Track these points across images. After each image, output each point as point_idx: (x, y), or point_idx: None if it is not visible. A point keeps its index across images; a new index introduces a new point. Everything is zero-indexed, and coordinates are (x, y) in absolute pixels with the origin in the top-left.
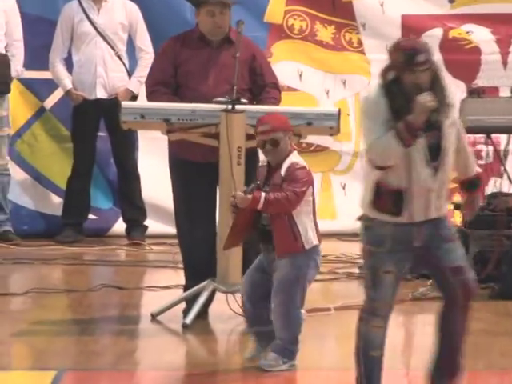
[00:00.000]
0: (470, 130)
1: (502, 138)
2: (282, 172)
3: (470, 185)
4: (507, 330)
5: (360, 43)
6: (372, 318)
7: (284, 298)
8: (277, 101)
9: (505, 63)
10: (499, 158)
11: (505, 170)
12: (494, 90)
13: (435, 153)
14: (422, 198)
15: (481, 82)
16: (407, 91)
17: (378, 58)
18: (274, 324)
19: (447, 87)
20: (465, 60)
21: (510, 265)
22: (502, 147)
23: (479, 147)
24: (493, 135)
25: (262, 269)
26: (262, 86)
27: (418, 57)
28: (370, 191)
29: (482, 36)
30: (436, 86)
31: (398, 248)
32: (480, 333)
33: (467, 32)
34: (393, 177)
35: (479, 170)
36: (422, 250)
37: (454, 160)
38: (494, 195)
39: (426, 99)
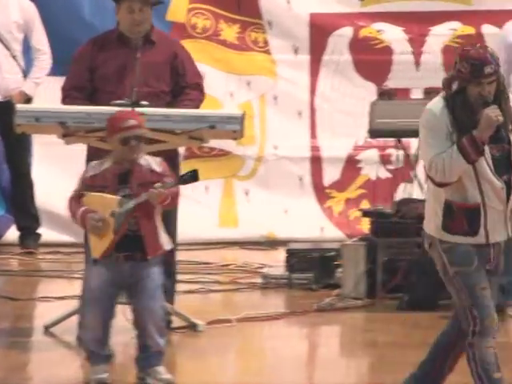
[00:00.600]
0: (380, 133)
1: (413, 142)
2: (156, 168)
3: None
4: (417, 343)
5: (266, 43)
6: (482, 339)
7: (161, 304)
8: (193, 102)
9: (417, 63)
10: (410, 162)
11: (415, 175)
12: (406, 92)
13: (503, 166)
14: (496, 216)
15: (392, 83)
16: (472, 104)
17: (284, 58)
18: (147, 332)
19: (510, 99)
20: (376, 60)
21: (420, 274)
22: (413, 151)
23: (389, 151)
24: (404, 139)
25: (117, 284)
26: (183, 87)
27: (486, 68)
28: (439, 212)
29: (393, 35)
30: (501, 98)
31: (482, 265)
32: (387, 345)
33: (378, 31)
34: (465, 193)
35: None
36: (489, 276)
37: None
38: (403, 202)
39: (493, 113)
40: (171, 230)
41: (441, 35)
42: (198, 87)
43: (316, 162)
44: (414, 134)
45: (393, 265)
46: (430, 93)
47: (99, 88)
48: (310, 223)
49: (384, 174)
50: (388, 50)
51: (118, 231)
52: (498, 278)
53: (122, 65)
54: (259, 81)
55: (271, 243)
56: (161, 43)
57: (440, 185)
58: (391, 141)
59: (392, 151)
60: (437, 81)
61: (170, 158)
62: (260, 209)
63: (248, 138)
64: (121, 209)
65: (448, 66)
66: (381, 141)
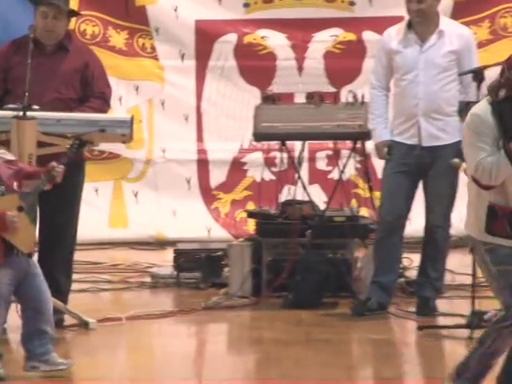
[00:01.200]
0: (264, 136)
1: (297, 145)
2: (7, 157)
3: None
4: (299, 339)
5: (153, 49)
6: None
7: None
8: (93, 110)
9: (300, 69)
10: (293, 165)
11: (299, 177)
12: (289, 97)
13: None
14: None
15: (276, 88)
16: None
17: (171, 63)
18: (45, 317)
19: None
20: (260, 66)
21: (303, 273)
22: (297, 154)
23: (273, 154)
24: (287, 142)
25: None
26: (89, 96)
27: None
28: (483, 215)
29: (277, 41)
30: None
31: None
32: (272, 342)
33: (262, 37)
34: (505, 197)
35: None
36: None
37: None
38: (287, 203)
39: None
40: (72, 232)
41: (323, 41)
42: (103, 96)
43: (203, 164)
44: (298, 137)
45: (277, 264)
46: (312, 97)
47: (10, 90)
48: (198, 224)
49: (269, 176)
50: (272, 56)
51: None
52: None
53: (33, 69)
54: (147, 86)
55: (160, 243)
56: (75, 52)
57: (486, 187)
58: (275, 144)
59: (276, 154)
60: (319, 86)
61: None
62: (149, 210)
63: (137, 142)
64: (28, 200)
65: (330, 71)
66: (265, 144)
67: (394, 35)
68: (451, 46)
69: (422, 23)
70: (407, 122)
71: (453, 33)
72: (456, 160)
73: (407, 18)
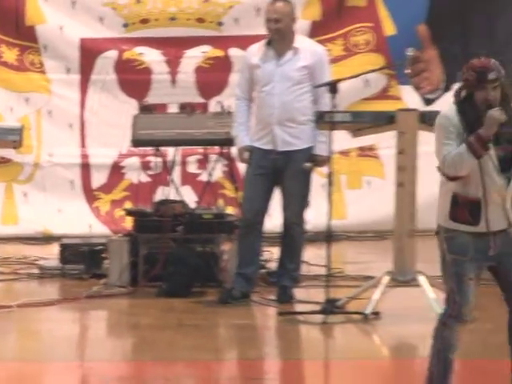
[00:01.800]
0: (141, 143)
1: (170, 151)
2: None
3: None
4: (172, 325)
5: (41, 64)
6: (456, 323)
7: None
8: None
9: (173, 82)
10: (167, 168)
11: (172, 179)
12: (164, 107)
13: (506, 164)
14: (497, 208)
15: (151, 99)
16: (478, 107)
17: (57, 77)
18: None
19: None
20: (137, 79)
21: (175, 265)
22: (170, 159)
23: (149, 159)
24: (162, 148)
25: None
26: None
27: (489, 74)
28: (448, 203)
29: (152, 57)
30: (505, 102)
31: (477, 257)
32: (147, 327)
33: (139, 54)
34: (469, 188)
35: None
36: (495, 260)
37: None
38: (161, 202)
39: (496, 112)
40: None
41: (194, 57)
42: None
43: (85, 167)
44: (171, 143)
45: (152, 257)
46: (184, 107)
47: None
48: (81, 221)
49: (145, 178)
50: (148, 71)
51: None
52: None
53: None
54: (36, 97)
55: (47, 238)
56: None
57: (452, 179)
58: (151, 149)
59: (151, 158)
60: (190, 97)
61: None
62: (37, 209)
63: (26, 147)
64: None
65: (200, 84)
66: (142, 149)
67: (255, 51)
68: (305, 61)
69: (279, 41)
70: (264, 129)
71: (307, 50)
72: (307, 164)
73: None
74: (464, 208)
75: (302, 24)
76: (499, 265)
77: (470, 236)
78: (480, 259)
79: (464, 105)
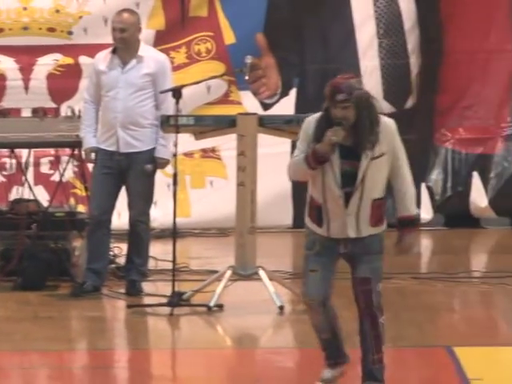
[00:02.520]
0: None
1: (24, 152)
2: None
3: (402, 223)
4: (27, 316)
5: None
6: (308, 309)
7: None
8: None
9: (26, 88)
10: (21, 169)
11: (26, 179)
12: (17, 111)
13: (351, 179)
14: (338, 218)
15: (6, 104)
16: (330, 121)
17: None
18: None
19: (376, 124)
20: None
21: (30, 260)
22: (24, 160)
23: (4, 160)
24: (16, 150)
25: None
26: None
27: (337, 96)
28: (307, 204)
29: (7, 64)
30: (359, 123)
31: (324, 252)
32: (4, 319)
33: None
34: (315, 193)
35: (416, 212)
36: (347, 256)
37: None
38: (16, 201)
39: (331, 133)
40: None
41: (46, 64)
42: None
43: None
44: (25, 145)
45: (8, 253)
46: (37, 112)
47: None
48: None
49: (0, 178)
50: (2, 77)
51: None
52: (371, 256)
53: None
54: None
55: None
56: None
57: (292, 181)
58: (6, 151)
59: (6, 160)
60: (43, 102)
61: None
62: None
63: None
64: None
65: (52, 90)
66: None
67: (102, 58)
68: (148, 69)
69: (124, 49)
70: (109, 131)
71: (150, 58)
72: (149, 166)
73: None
74: (313, 210)
75: (146, 33)
76: (349, 262)
77: (319, 235)
78: (327, 255)
79: (322, 116)
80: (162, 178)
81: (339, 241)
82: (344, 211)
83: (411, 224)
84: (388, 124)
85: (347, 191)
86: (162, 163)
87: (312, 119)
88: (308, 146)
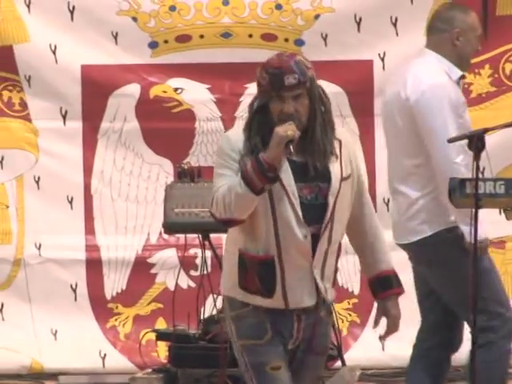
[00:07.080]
0: (179, 227)
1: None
2: None
3: (380, 283)
4: None
5: (24, 105)
6: None
7: None
8: None
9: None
10: (220, 265)
11: None
12: (212, 172)
13: (317, 212)
14: (301, 274)
15: (195, 159)
16: (273, 124)
17: (49, 125)
18: None
19: (333, 128)
20: (172, 128)
21: None
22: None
23: (193, 252)
24: (214, 235)
25: None
26: None
27: (286, 78)
28: (233, 265)
29: (196, 95)
30: (316, 121)
31: (279, 339)
32: None
33: (175, 89)
34: (258, 242)
35: (390, 266)
36: (296, 352)
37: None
38: (212, 320)
39: (282, 128)
40: None
41: None
42: None
43: (94, 266)
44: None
45: None
46: None
47: None
48: (88, 349)
49: (186, 281)
50: (189, 116)
51: None
52: (321, 358)
53: None
54: (15, 156)
55: (35, 376)
56: None
57: (223, 223)
58: (194, 237)
59: (197, 251)
60: None
61: None
62: (19, 329)
63: (2, 235)
64: None
65: None
66: (181, 237)
67: None
68: None
69: None
70: None
71: None
72: None
73: None
74: (252, 270)
75: None
76: (295, 358)
77: (264, 312)
78: (283, 343)
79: (253, 120)
80: None
81: (294, 320)
82: (309, 261)
83: (395, 283)
84: (344, 134)
85: (313, 232)
86: None
87: (232, 133)
88: (241, 164)
